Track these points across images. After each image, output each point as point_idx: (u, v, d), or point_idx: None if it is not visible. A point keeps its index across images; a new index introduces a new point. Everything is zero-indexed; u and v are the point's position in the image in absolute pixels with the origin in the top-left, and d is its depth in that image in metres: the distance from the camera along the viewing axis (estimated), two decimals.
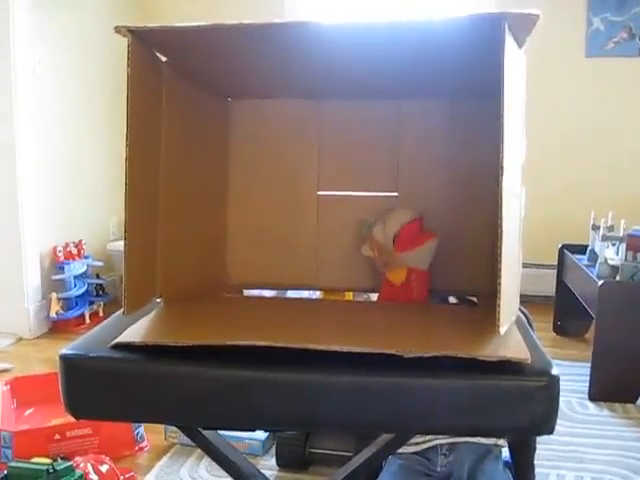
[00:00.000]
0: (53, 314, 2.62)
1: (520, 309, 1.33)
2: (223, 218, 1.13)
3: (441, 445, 1.28)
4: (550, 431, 0.72)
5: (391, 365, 0.70)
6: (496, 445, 1.31)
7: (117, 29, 0.77)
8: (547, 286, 2.78)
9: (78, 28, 2.83)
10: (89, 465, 1.37)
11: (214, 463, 1.51)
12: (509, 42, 0.72)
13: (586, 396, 1.99)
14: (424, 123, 1.08)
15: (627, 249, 1.99)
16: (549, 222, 3.00)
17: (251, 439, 1.57)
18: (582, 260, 2.36)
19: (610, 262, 2.04)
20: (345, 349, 0.70)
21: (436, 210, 1.06)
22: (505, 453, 1.37)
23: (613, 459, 1.61)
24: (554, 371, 0.71)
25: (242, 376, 0.72)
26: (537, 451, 1.59)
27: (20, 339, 2.56)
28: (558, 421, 1.93)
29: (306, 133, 1.12)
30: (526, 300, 3.28)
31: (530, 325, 1.32)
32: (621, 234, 2.06)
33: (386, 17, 0.76)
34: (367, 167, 1.11)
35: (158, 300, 0.93)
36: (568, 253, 2.55)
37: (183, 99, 0.96)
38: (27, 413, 1.81)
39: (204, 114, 1.06)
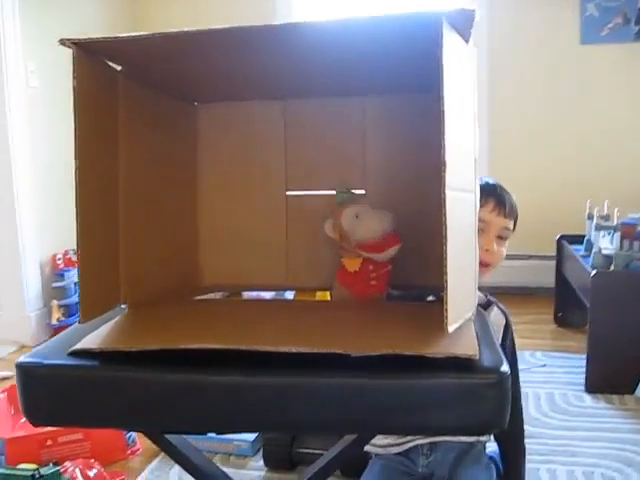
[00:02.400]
0: (55, 321, 2.64)
1: (501, 308, 1.33)
2: (194, 221, 1.13)
3: (422, 445, 1.27)
4: (501, 427, 0.71)
5: (342, 365, 0.69)
6: (479, 441, 1.29)
7: (62, 41, 0.78)
8: (548, 278, 2.75)
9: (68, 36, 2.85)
10: (77, 470, 1.38)
11: None
12: (450, 37, 0.72)
13: (583, 388, 1.98)
14: (389, 120, 1.08)
15: (622, 238, 1.97)
16: (548, 213, 2.98)
17: (239, 440, 1.57)
18: (579, 250, 2.34)
19: (604, 252, 2.02)
20: (294, 350, 0.70)
21: (403, 206, 1.05)
22: (490, 448, 1.36)
23: (606, 452, 1.59)
24: (504, 368, 0.71)
25: (195, 379, 0.72)
26: (528, 445, 1.58)
27: (22, 347, 2.59)
28: (552, 414, 1.93)
29: (273, 134, 1.12)
30: (527, 292, 3.29)
31: (507, 323, 1.32)
32: (614, 223, 2.04)
33: (345, 14, 0.76)
34: (335, 165, 1.11)
35: (123, 306, 0.94)
36: (566, 244, 2.53)
37: (143, 106, 0.96)
38: (24, 420, 1.82)
39: (169, 120, 1.06)
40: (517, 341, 2.70)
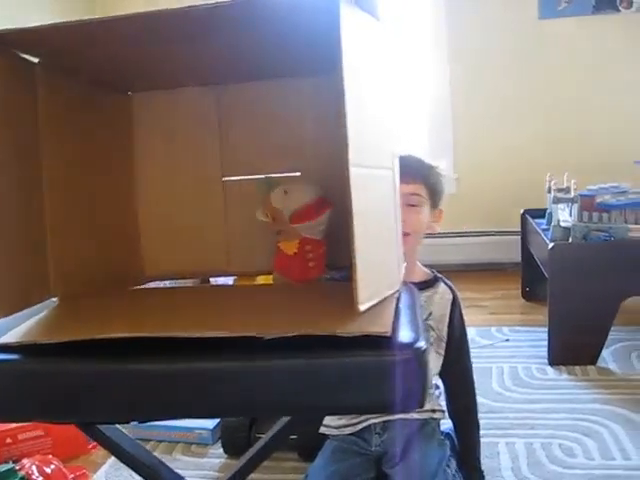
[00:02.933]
0: None
1: (448, 284, 1.33)
2: (133, 212, 1.12)
3: (375, 424, 1.27)
4: (419, 404, 0.71)
5: (256, 348, 0.69)
6: (432, 418, 1.30)
7: None
8: (515, 253, 2.77)
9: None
10: (33, 467, 1.37)
11: (165, 456, 1.52)
12: (351, 15, 0.71)
13: (546, 361, 1.99)
14: (322, 101, 1.07)
15: (581, 209, 1.98)
16: (513, 189, 2.99)
17: (200, 429, 1.57)
18: (542, 224, 2.35)
19: (563, 224, 2.03)
20: (207, 335, 0.70)
21: (338, 187, 1.04)
22: (445, 425, 1.37)
23: (565, 423, 1.61)
24: (420, 344, 0.70)
25: (110, 369, 0.72)
26: (488, 420, 1.60)
27: None
28: (515, 388, 1.94)
29: (208, 120, 1.11)
30: (495, 268, 3.28)
31: (454, 299, 1.32)
32: (572, 195, 2.05)
33: None
34: (270, 149, 1.10)
35: (55, 299, 0.93)
36: (529, 218, 2.54)
37: (68, 99, 0.94)
38: None
39: (101, 111, 1.04)
40: (486, 317, 2.72)
